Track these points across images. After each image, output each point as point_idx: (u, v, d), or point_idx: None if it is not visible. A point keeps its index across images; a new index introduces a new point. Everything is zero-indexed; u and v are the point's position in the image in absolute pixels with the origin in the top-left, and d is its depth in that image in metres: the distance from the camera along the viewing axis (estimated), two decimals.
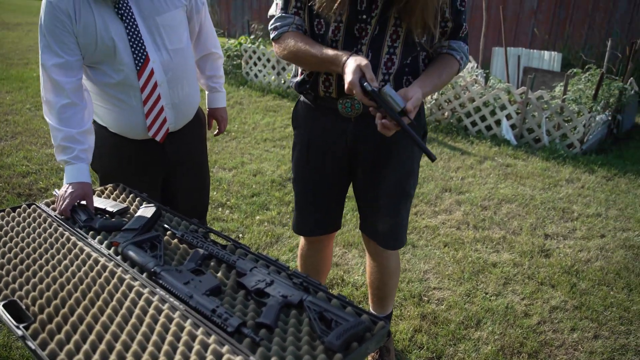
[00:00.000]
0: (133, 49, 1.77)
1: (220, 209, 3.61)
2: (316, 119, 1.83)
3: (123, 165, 2.00)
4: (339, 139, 1.81)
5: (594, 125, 4.86)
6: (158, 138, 1.93)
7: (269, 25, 1.78)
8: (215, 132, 2.40)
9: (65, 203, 1.63)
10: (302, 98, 1.89)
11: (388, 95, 1.44)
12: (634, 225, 3.48)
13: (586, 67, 5.49)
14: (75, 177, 1.70)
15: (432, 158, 1.44)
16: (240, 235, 3.27)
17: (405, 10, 1.56)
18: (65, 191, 1.66)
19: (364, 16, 1.61)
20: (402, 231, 1.95)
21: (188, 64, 1.96)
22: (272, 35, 1.75)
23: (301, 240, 2.15)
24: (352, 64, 1.49)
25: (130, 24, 1.75)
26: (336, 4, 1.59)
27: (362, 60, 1.48)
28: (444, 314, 2.54)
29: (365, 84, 1.44)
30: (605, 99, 5.04)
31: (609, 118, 5.16)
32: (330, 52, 1.59)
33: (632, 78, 5.33)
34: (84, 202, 1.68)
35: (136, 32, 1.77)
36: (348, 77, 1.47)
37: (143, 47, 1.79)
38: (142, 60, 1.79)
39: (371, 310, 2.15)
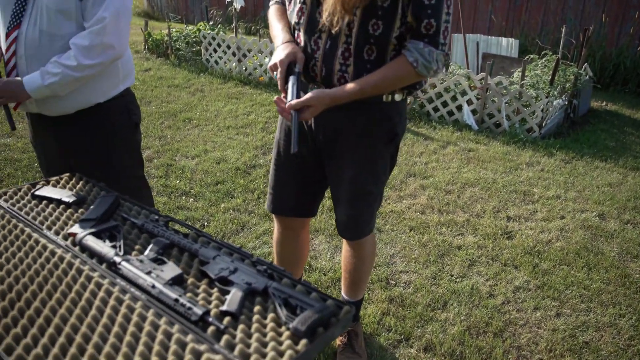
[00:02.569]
0: (13, 10, 1.79)
1: (184, 197, 3.54)
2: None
3: (30, 131, 2.09)
4: (308, 124, 1.83)
5: (551, 110, 4.98)
6: (12, 105, 1.92)
7: None
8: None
9: None
10: None
11: (290, 84, 1.61)
12: (592, 207, 3.59)
13: (542, 53, 5.61)
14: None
15: (293, 149, 1.54)
16: (205, 223, 3.22)
17: None
18: None
19: None
20: (360, 224, 1.93)
21: (57, 53, 1.83)
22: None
23: (275, 228, 2.13)
24: (287, 48, 1.65)
25: None
26: None
27: (299, 53, 1.66)
28: (411, 296, 2.57)
29: (297, 70, 1.62)
30: (562, 85, 5.16)
31: (566, 103, 5.29)
32: (278, 33, 1.75)
33: (586, 64, 5.47)
34: None
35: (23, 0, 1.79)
36: (280, 55, 1.63)
37: (22, 14, 1.79)
38: (14, 24, 1.80)
39: (343, 295, 2.16)
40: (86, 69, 1.79)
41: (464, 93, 5.25)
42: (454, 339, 2.30)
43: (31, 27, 1.78)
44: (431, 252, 2.97)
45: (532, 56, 5.63)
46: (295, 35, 1.74)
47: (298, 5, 1.70)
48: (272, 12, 1.86)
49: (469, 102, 5.25)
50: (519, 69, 5.10)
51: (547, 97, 4.85)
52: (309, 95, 1.59)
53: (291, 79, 1.62)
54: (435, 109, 5.43)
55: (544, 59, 5.44)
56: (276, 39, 1.75)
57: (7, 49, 1.80)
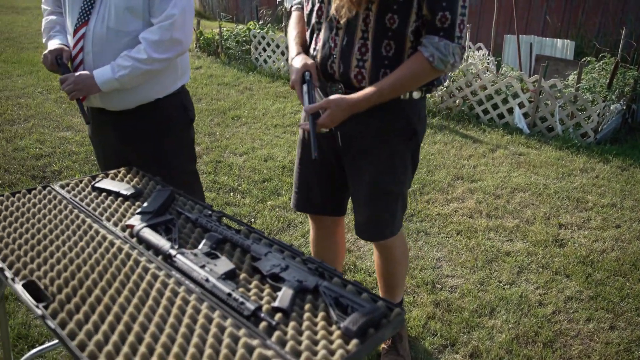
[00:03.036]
0: (82, 8, 1.86)
1: (232, 194, 3.60)
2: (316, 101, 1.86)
3: (90, 125, 2.15)
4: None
5: (608, 114, 4.80)
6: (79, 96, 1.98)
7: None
8: None
9: None
10: None
11: (304, 92, 1.67)
12: None
13: (600, 55, 5.41)
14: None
15: (313, 155, 1.58)
16: (252, 220, 3.27)
17: None
18: None
19: None
20: (380, 225, 1.89)
21: (123, 50, 1.89)
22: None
23: (310, 227, 2.15)
24: (298, 63, 1.70)
25: None
26: None
27: (309, 61, 1.70)
28: (457, 301, 2.53)
29: (307, 77, 1.68)
30: (620, 88, 4.96)
31: (624, 107, 5.08)
32: (291, 45, 1.81)
33: None
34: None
35: None
36: (292, 75, 1.70)
37: (90, 11, 1.86)
38: (82, 21, 1.87)
39: None
40: (155, 63, 1.87)
41: (515, 95, 5.12)
42: (502, 347, 2.25)
43: (99, 24, 1.85)
44: (479, 257, 2.92)
45: (588, 59, 5.44)
46: (316, 35, 1.75)
47: (317, 5, 1.72)
48: (290, 21, 1.91)
49: (521, 105, 5.12)
50: (575, 72, 4.94)
51: (604, 101, 4.67)
52: (325, 99, 1.61)
53: (304, 87, 1.67)
54: (485, 112, 5.32)
55: (601, 61, 5.25)
56: (290, 52, 1.81)
57: (75, 45, 1.88)
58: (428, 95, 1.87)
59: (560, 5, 8.01)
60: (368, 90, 1.61)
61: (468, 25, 6.72)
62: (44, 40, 2.02)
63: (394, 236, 1.94)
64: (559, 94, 4.84)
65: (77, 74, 1.85)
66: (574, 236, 3.18)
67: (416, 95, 1.72)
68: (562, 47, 6.42)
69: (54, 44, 1.94)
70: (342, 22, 1.63)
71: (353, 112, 1.62)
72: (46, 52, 1.91)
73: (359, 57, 1.64)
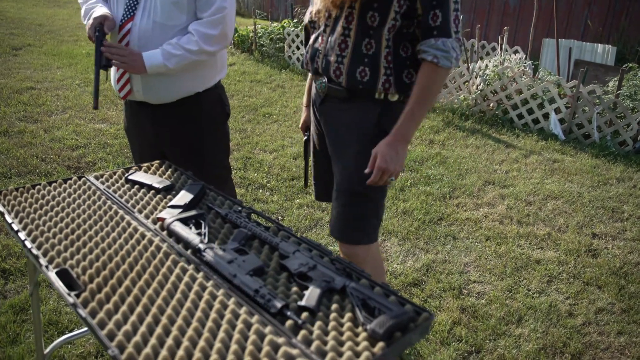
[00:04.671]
0: (127, 3, 1.89)
1: (260, 190, 3.63)
2: (314, 94, 1.92)
3: (126, 118, 2.19)
4: (316, 115, 1.92)
5: None
6: (121, 94, 2.01)
7: None
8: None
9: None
10: None
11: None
12: None
13: None
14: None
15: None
16: (280, 217, 3.28)
17: None
18: None
19: None
20: (347, 226, 1.83)
21: None
22: None
23: None
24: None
25: None
26: None
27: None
28: (484, 308, 2.49)
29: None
30: None
31: None
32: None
33: None
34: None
35: None
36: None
37: (135, 6, 1.88)
38: (127, 17, 1.90)
39: None
40: (203, 55, 1.91)
41: (552, 101, 5.01)
42: (528, 356, 2.21)
43: (145, 19, 1.88)
44: (508, 263, 2.87)
45: (630, 65, 5.29)
46: (312, 33, 1.83)
47: (315, 6, 1.76)
48: None
49: (557, 111, 5.01)
50: (615, 78, 4.81)
51: None
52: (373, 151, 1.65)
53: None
54: (520, 116, 5.23)
55: None
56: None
57: (121, 40, 1.91)
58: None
59: (603, 9, 7.81)
60: (401, 118, 1.64)
61: (506, 28, 6.61)
62: (84, 21, 1.98)
63: (365, 247, 1.85)
64: (597, 101, 4.72)
65: (129, 49, 1.86)
66: (608, 247, 3.10)
67: (392, 97, 1.71)
68: (603, 52, 6.26)
69: (98, 12, 1.91)
70: (321, 22, 1.72)
71: (401, 142, 1.64)
72: (90, 19, 1.90)
73: (338, 52, 1.68)
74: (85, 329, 1.89)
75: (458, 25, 1.60)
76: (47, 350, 1.78)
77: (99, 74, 1.92)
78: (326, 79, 1.75)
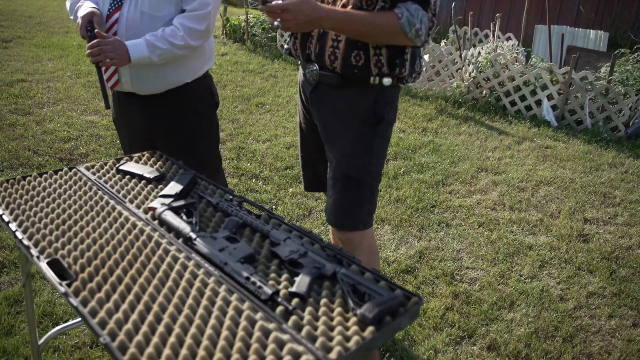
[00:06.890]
0: None
1: (254, 180, 3.63)
2: (302, 83, 1.92)
3: (115, 109, 2.18)
4: (304, 104, 1.92)
5: None
6: (109, 85, 1.99)
7: None
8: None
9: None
10: None
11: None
12: None
13: (635, 47, 5.26)
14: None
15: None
16: (273, 206, 3.29)
17: None
18: None
19: None
20: (342, 212, 1.82)
21: None
22: None
23: None
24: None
25: None
26: None
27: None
28: (477, 293, 2.51)
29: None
30: None
31: None
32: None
33: None
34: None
35: None
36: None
37: None
38: (115, 6, 1.89)
39: None
40: (188, 49, 1.91)
41: (544, 87, 5.02)
42: (520, 340, 2.23)
43: (132, 9, 1.88)
44: (500, 249, 2.89)
45: (622, 50, 5.30)
46: None
47: None
48: None
49: (550, 97, 5.02)
50: (607, 64, 4.82)
51: (637, 95, 4.55)
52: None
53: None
54: (513, 103, 5.24)
55: (636, 53, 5.10)
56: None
57: (108, 29, 1.90)
58: (402, 86, 1.84)
59: None
60: (339, 10, 1.57)
61: (498, 15, 6.59)
62: (72, 16, 1.99)
63: (360, 232, 1.85)
64: (589, 87, 4.73)
65: (111, 41, 1.80)
66: (600, 232, 3.12)
67: (387, 82, 1.70)
68: (595, 38, 6.27)
69: (84, 9, 1.89)
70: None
71: (317, 16, 1.53)
72: (78, 19, 1.88)
73: (334, 37, 1.67)
74: (79, 319, 1.89)
75: (436, 8, 1.60)
76: (41, 341, 1.79)
77: (101, 73, 1.92)
78: (317, 66, 1.75)
